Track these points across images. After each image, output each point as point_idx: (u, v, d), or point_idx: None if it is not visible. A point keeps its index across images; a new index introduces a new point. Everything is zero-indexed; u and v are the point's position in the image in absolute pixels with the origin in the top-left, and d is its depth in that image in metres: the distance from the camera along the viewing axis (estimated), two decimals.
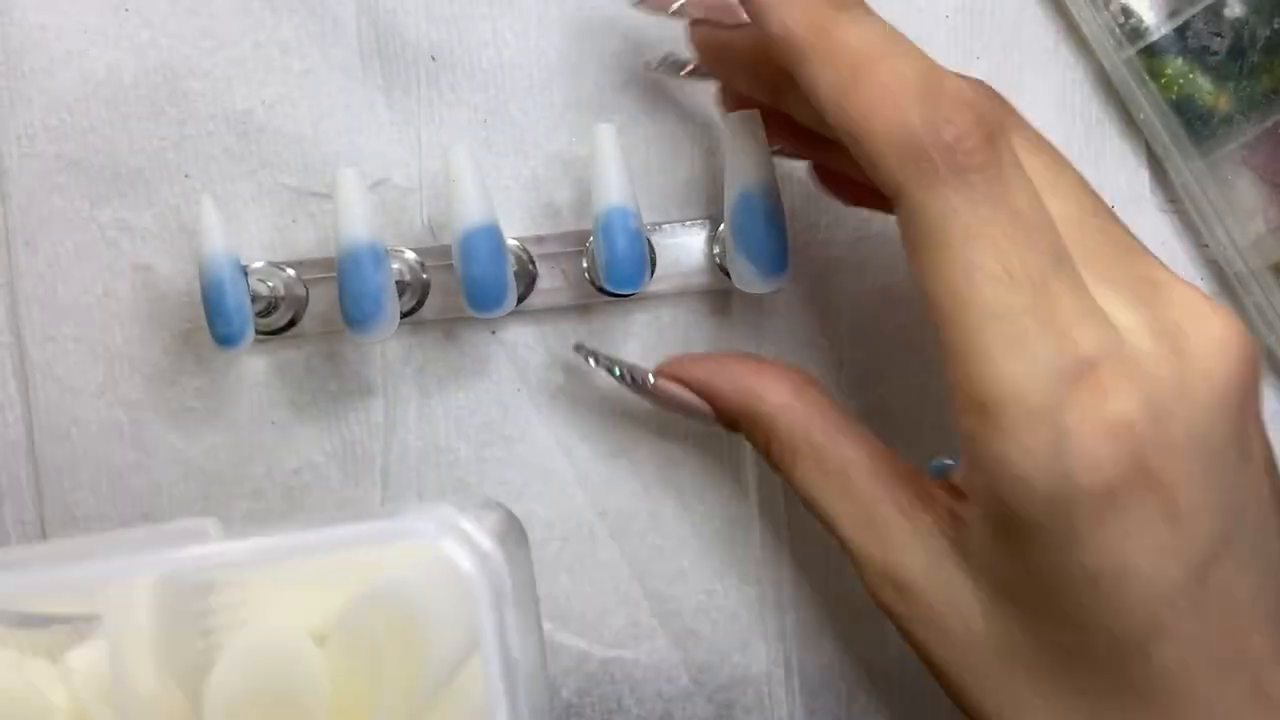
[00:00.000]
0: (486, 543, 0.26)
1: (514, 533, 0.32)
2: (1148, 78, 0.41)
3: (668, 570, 0.43)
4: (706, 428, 0.38)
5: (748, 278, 0.37)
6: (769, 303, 0.42)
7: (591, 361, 0.38)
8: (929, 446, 0.37)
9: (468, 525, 0.27)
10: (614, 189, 0.37)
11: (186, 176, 0.42)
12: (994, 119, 0.26)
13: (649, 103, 0.42)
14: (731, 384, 0.33)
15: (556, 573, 0.43)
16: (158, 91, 0.42)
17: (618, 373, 0.37)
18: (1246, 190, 0.41)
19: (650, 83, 0.42)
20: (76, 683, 0.28)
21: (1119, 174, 0.42)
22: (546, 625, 0.42)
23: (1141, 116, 0.41)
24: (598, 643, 0.43)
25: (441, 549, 0.25)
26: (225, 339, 0.37)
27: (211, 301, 0.37)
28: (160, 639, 0.28)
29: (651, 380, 0.35)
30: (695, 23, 0.36)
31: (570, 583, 0.43)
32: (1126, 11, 0.41)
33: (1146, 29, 0.41)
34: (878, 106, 0.26)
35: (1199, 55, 0.40)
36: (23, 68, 0.41)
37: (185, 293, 0.42)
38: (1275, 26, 0.40)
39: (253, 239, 0.42)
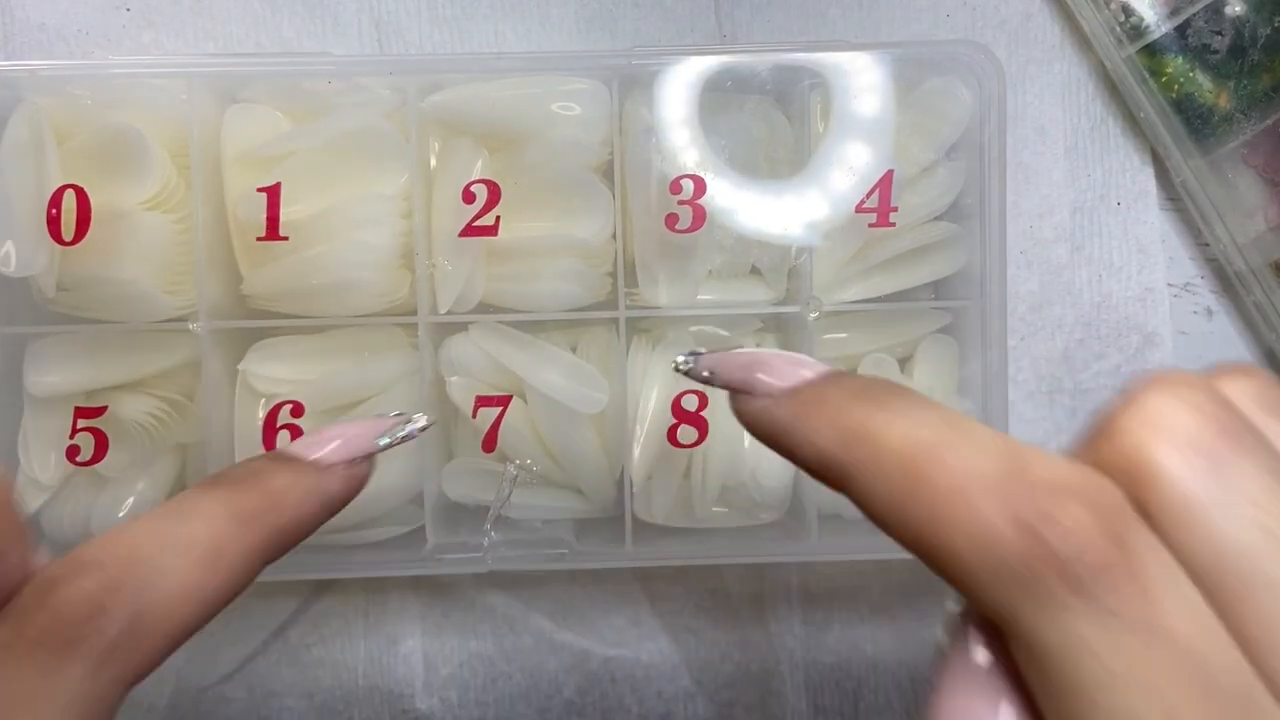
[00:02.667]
0: None
1: None
2: (1148, 76, 0.41)
3: (669, 567, 0.43)
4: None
5: None
6: None
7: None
8: None
9: None
10: None
11: None
12: (1113, 505, 0.18)
13: None
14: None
15: (558, 572, 0.43)
16: None
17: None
18: (1247, 188, 0.41)
19: None
20: None
21: (1124, 171, 0.42)
22: (547, 624, 0.42)
23: (1142, 115, 0.41)
24: (599, 642, 0.43)
25: None
26: None
27: None
28: None
29: None
30: (733, 395, 0.25)
31: (571, 580, 0.43)
32: (1127, 10, 0.41)
33: (1147, 27, 0.41)
34: (948, 515, 0.19)
35: (1199, 53, 0.40)
36: None
37: None
38: (1276, 25, 0.40)
39: None
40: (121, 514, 0.38)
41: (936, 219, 0.39)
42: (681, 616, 0.43)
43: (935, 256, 0.39)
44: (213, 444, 0.37)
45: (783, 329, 0.40)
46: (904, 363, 0.40)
